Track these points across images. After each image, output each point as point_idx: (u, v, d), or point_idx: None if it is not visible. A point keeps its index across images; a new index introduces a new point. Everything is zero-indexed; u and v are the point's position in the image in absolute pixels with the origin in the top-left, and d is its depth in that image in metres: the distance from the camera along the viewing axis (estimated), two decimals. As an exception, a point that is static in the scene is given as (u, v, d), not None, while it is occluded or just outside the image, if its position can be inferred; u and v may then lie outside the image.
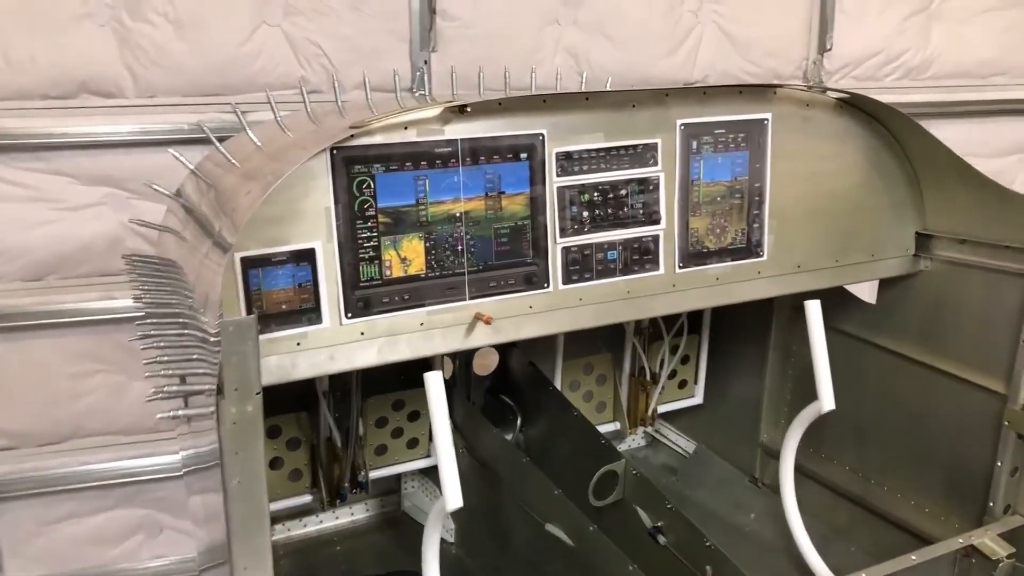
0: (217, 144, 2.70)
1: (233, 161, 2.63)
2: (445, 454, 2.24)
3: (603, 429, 3.41)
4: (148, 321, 2.13)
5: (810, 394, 2.86)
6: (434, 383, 2.24)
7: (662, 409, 3.49)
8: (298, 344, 2.23)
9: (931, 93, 4.51)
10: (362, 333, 2.29)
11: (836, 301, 2.97)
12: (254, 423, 1.84)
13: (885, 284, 2.98)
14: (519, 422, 3.19)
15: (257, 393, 1.83)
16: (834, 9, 4.37)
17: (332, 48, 3.80)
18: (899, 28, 4.50)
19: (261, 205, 2.10)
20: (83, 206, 3.65)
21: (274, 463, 2.94)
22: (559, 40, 4.09)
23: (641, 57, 4.19)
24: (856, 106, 2.74)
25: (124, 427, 3.88)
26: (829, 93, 2.71)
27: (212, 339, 1.90)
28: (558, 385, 3.22)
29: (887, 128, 2.80)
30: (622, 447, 3.51)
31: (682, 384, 3.51)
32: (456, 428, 3.09)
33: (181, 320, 2.08)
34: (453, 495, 2.24)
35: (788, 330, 3.28)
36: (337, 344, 2.27)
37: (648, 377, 3.38)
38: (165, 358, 2.01)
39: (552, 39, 4.08)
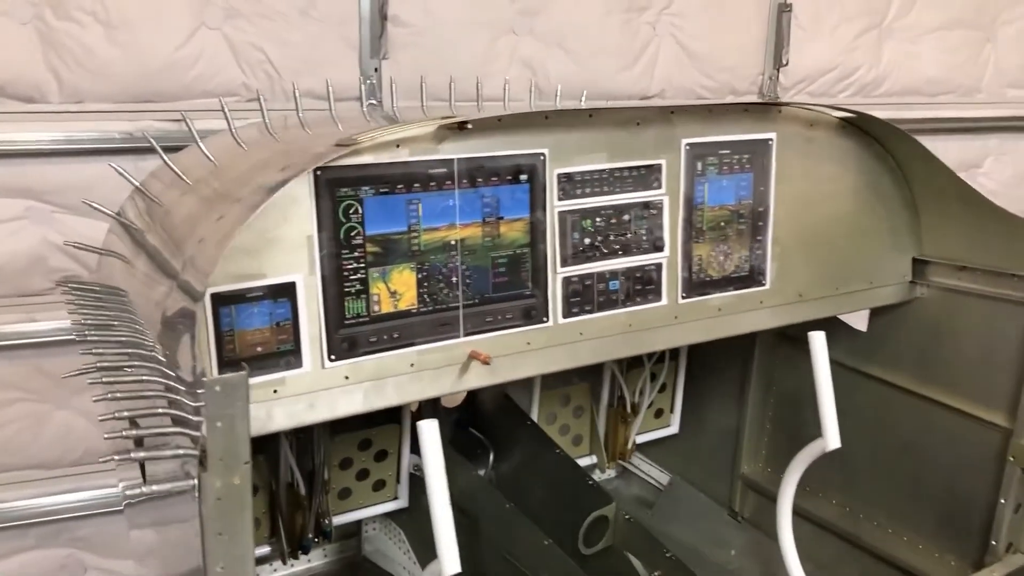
0: (167, 161, 2.35)
1: (186, 180, 2.29)
2: (441, 513, 1.94)
3: (580, 463, 3.13)
4: (96, 353, 1.83)
5: (793, 425, 2.68)
6: (429, 433, 1.93)
7: (637, 440, 3.23)
8: (275, 392, 1.91)
9: (883, 110, 4.36)
10: (346, 377, 1.98)
11: (823, 326, 2.75)
12: (241, 497, 1.51)
13: (878, 311, 2.79)
14: (491, 458, 2.89)
15: (245, 463, 1.50)
16: (790, 24, 4.20)
17: (277, 54, 3.49)
18: (852, 45, 4.37)
19: (232, 231, 1.78)
20: (0, 220, 3.25)
21: (229, 512, 2.57)
22: (515, 50, 3.85)
23: (598, 70, 3.98)
24: (859, 126, 2.53)
25: (45, 460, 3.50)
26: (834, 112, 2.49)
27: (180, 387, 1.58)
28: (535, 418, 2.93)
29: (887, 149, 2.60)
30: (594, 473, 3.24)
31: (658, 413, 3.25)
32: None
33: (135, 355, 1.77)
34: (450, 559, 1.94)
35: (770, 357, 3.05)
36: (318, 390, 1.95)
37: (628, 408, 3.12)
38: (119, 395, 1.71)
39: (508, 49, 3.84)
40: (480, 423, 2.92)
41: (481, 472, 2.88)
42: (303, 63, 3.51)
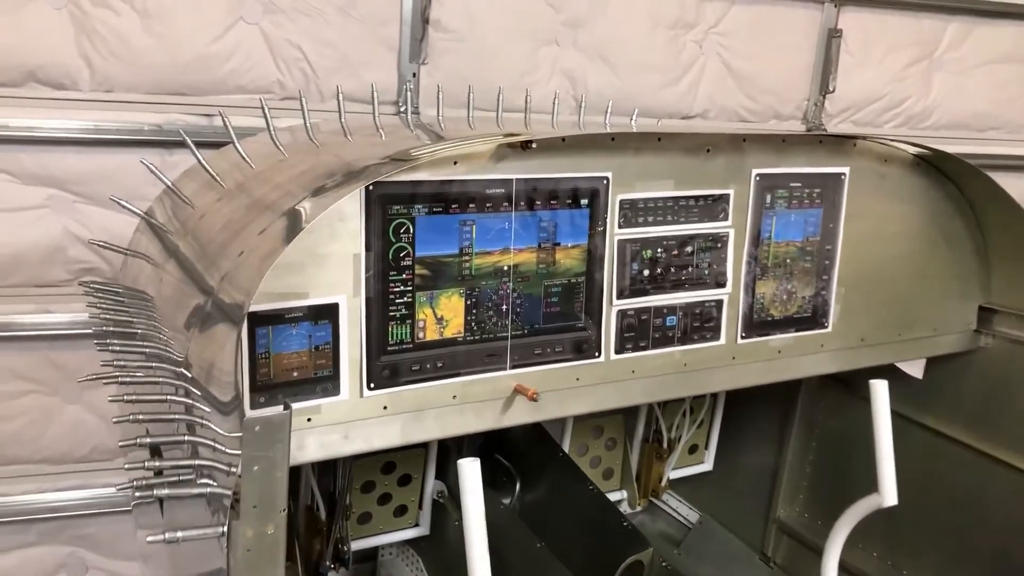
0: (202, 162, 2.17)
1: (221, 183, 2.11)
2: (479, 560, 1.75)
3: (609, 498, 2.92)
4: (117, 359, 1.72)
5: (836, 471, 2.48)
6: (470, 474, 1.75)
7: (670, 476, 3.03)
8: (309, 420, 1.72)
9: (930, 144, 4.17)
10: (385, 408, 1.79)
11: (876, 371, 2.56)
12: (274, 549, 1.32)
13: (937, 359, 2.58)
14: (517, 488, 2.69)
15: (282, 511, 1.31)
16: (839, 50, 4.00)
17: (314, 52, 3.31)
18: (901, 74, 4.16)
19: (277, 247, 1.59)
20: (22, 208, 3.11)
21: (245, 534, 2.37)
22: (556, 62, 3.66)
23: (641, 86, 3.78)
24: (933, 164, 2.33)
25: (52, 455, 3.33)
26: (909, 148, 2.29)
27: (205, 409, 1.41)
28: (566, 449, 2.73)
29: (961, 190, 2.40)
30: (622, 508, 3.03)
31: (692, 449, 3.05)
32: (448, 493, 2.59)
33: (159, 368, 1.66)
34: None
35: (816, 398, 2.85)
36: (355, 420, 1.77)
37: (664, 443, 2.91)
38: (140, 416, 1.59)
39: (549, 60, 3.64)
40: (507, 450, 2.72)
41: (506, 501, 2.68)
42: (340, 63, 3.33)
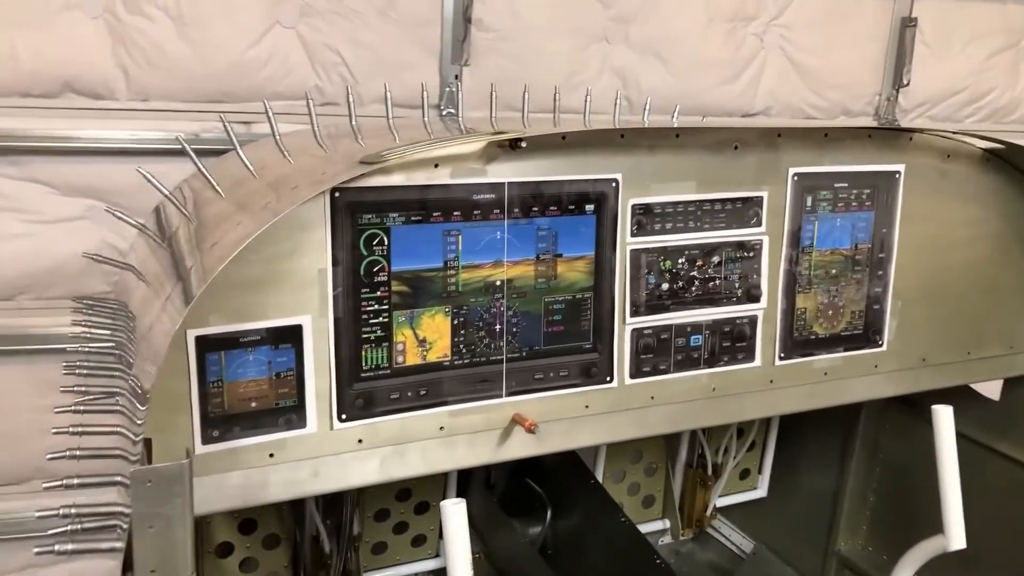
0: (199, 164, 1.96)
1: (218, 188, 1.90)
2: None
3: (648, 529, 2.64)
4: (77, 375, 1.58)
5: (902, 501, 2.16)
6: (455, 517, 1.49)
7: (718, 503, 2.71)
8: (271, 456, 1.50)
9: (1018, 138, 3.76)
10: (360, 441, 1.56)
11: (955, 396, 2.21)
12: None
13: (1015, 380, 2.22)
14: (548, 515, 2.43)
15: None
16: (913, 41, 3.62)
17: (353, 56, 3.10)
18: (984, 65, 3.75)
19: (228, 265, 1.37)
20: (60, 219, 2.98)
21: (245, 565, 2.16)
22: (606, 59, 3.38)
23: (697, 83, 3.47)
24: (1006, 159, 1.98)
25: (95, 469, 3.16)
26: (976, 142, 1.95)
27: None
28: (599, 475, 2.46)
29: None
30: (664, 539, 2.74)
31: (744, 474, 2.73)
32: (471, 525, 2.33)
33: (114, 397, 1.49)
34: None
35: (879, 420, 2.51)
36: (325, 455, 1.55)
37: (708, 470, 2.61)
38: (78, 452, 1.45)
39: (598, 58, 3.37)
40: (539, 474, 2.46)
41: (536, 530, 2.42)
42: (379, 66, 3.12)
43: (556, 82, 3.06)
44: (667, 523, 2.66)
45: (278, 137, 2.06)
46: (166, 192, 2.07)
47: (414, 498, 2.29)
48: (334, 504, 2.16)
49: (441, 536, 2.35)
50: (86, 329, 1.90)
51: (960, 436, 2.27)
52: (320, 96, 3.09)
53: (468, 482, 2.35)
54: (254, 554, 2.16)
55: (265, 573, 2.18)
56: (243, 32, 2.97)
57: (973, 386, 2.27)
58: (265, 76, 3.01)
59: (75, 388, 1.61)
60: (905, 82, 3.66)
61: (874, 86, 3.71)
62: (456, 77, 3.21)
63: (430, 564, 2.37)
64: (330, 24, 3.05)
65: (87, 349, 1.80)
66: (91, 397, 1.60)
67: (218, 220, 1.66)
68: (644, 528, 2.63)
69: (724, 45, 3.49)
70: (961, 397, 2.30)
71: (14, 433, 3.01)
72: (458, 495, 2.33)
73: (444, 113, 3.16)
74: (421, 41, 3.16)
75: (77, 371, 1.68)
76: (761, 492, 2.75)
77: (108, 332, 1.85)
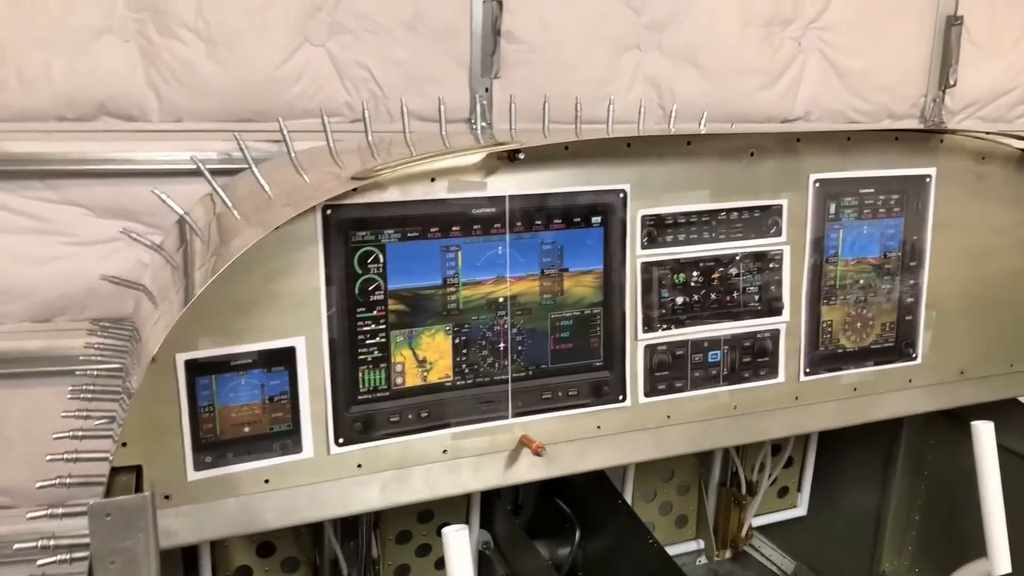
0: (213, 183, 1.93)
1: (232, 208, 1.86)
2: None
3: (682, 549, 2.53)
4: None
5: (949, 520, 2.04)
6: (456, 544, 1.42)
7: (756, 522, 2.59)
8: (266, 482, 1.44)
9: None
10: (359, 466, 1.50)
11: (995, 408, 2.08)
12: None
13: (1065, 393, 2.08)
14: (578, 536, 2.34)
15: None
16: (960, 39, 3.47)
17: (382, 72, 3.08)
18: (1036, 62, 3.57)
19: (219, 283, 1.33)
20: (96, 241, 3.01)
21: (265, 590, 2.13)
22: (638, 68, 3.30)
23: (733, 89, 3.37)
24: (1048, 160, 1.86)
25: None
26: (1014, 142, 1.83)
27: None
28: (628, 494, 2.36)
29: None
30: (700, 559, 2.63)
31: (782, 492, 2.60)
32: (496, 546, 2.26)
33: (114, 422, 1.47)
34: None
35: (922, 436, 2.37)
36: (322, 481, 1.48)
37: (743, 488, 2.50)
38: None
39: (631, 67, 3.29)
40: (568, 493, 2.37)
41: (565, 551, 2.33)
42: (409, 81, 3.09)
43: (588, 92, 2.99)
44: (701, 543, 2.55)
45: (293, 155, 2.02)
46: (180, 211, 2.04)
47: (436, 520, 2.22)
48: (352, 527, 2.11)
49: (460, 560, 2.29)
50: (97, 352, 1.88)
51: (1011, 453, 2.15)
52: (351, 112, 3.07)
53: (492, 503, 2.27)
54: (273, 579, 2.12)
55: (284, 597, 2.14)
56: (273, 51, 2.96)
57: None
58: (296, 94, 2.99)
59: (77, 413, 1.58)
60: (952, 83, 3.51)
61: (919, 87, 3.56)
62: (486, 90, 3.16)
63: (454, 586, 2.29)
64: (359, 40, 3.03)
65: (95, 372, 1.77)
66: (93, 422, 1.57)
67: (227, 237, 1.62)
68: (678, 549, 2.53)
69: (761, 50, 3.38)
70: (1009, 411, 2.16)
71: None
72: (482, 516, 2.25)
73: (475, 126, 3.11)
74: (450, 54, 3.12)
75: (82, 395, 1.65)
76: (801, 510, 2.63)
77: (115, 355, 1.82)
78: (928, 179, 1.82)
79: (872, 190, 1.77)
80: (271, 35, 2.95)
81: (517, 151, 1.47)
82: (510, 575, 2.18)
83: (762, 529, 2.66)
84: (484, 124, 3.14)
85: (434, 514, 2.20)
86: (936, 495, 2.37)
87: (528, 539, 2.18)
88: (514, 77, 3.17)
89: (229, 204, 1.76)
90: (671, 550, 2.50)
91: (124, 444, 1.34)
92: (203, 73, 2.92)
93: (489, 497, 2.26)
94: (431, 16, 3.05)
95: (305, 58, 3.00)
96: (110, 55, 2.86)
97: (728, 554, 2.61)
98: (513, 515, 2.48)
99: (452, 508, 2.21)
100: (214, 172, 3.06)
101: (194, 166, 2.98)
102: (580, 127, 2.51)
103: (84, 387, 1.65)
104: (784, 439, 2.47)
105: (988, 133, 1.85)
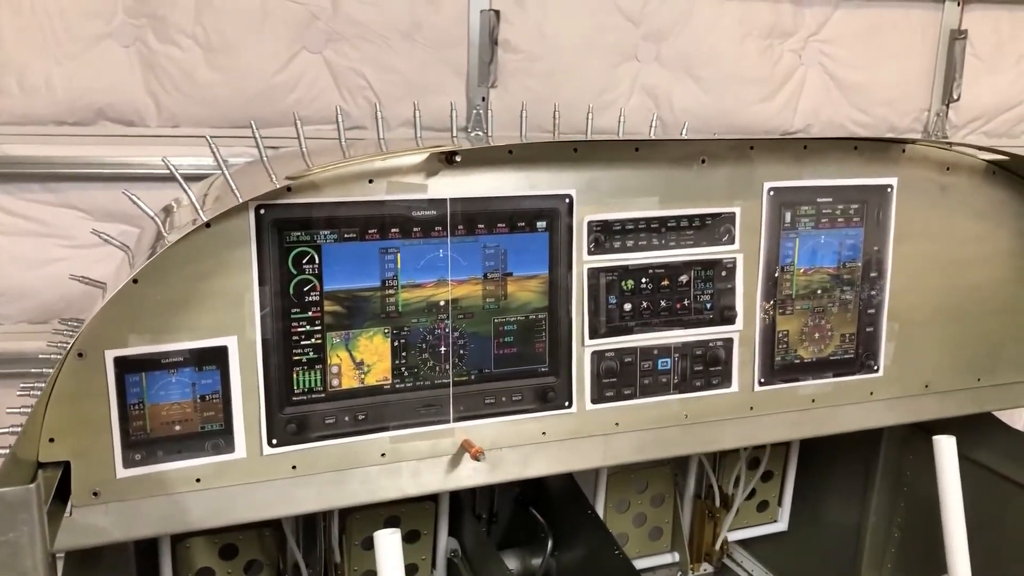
0: (185, 186, 1.93)
1: (202, 216, 1.87)
2: None
3: (657, 562, 2.48)
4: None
5: (928, 535, 1.97)
6: (387, 548, 1.40)
7: (736, 536, 2.54)
8: (198, 481, 1.43)
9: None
10: (294, 467, 1.48)
11: (970, 423, 2.02)
12: None
13: (1042, 409, 2.02)
14: (550, 545, 2.31)
15: None
16: (964, 53, 3.40)
17: (378, 80, 3.07)
18: (1042, 77, 3.49)
19: (150, 281, 1.33)
20: (94, 244, 2.96)
21: (227, 592, 2.12)
22: (636, 78, 3.27)
23: (732, 101, 3.32)
24: (1015, 172, 1.81)
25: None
26: (978, 153, 1.78)
27: None
28: (600, 506, 2.32)
29: None
30: (679, 573, 2.58)
31: (762, 506, 2.55)
32: (464, 555, 2.23)
33: None
34: None
35: (900, 451, 2.31)
36: (255, 482, 1.46)
37: (717, 501, 2.45)
38: None
39: (629, 77, 3.26)
40: (542, 503, 2.34)
41: (537, 561, 2.30)
42: (406, 89, 3.08)
43: (586, 102, 2.97)
44: (676, 556, 2.51)
45: (265, 158, 2.02)
46: (150, 212, 2.05)
47: (404, 525, 2.20)
48: (314, 531, 2.09)
49: (434, 566, 2.27)
50: (57, 349, 1.88)
51: (987, 470, 2.09)
52: (348, 120, 3.06)
53: (462, 510, 2.25)
54: (235, 582, 2.11)
55: (247, 600, 2.13)
56: (270, 58, 2.97)
57: (1001, 415, 2.07)
58: (293, 101, 3.00)
59: (21, 410, 1.58)
60: (955, 97, 3.44)
61: (922, 101, 3.50)
62: (483, 99, 3.15)
63: (420, 595, 2.27)
64: (356, 49, 3.03)
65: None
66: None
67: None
68: (652, 561, 2.48)
69: (760, 62, 3.34)
70: (987, 427, 2.10)
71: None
72: (451, 524, 2.23)
73: (472, 135, 3.10)
74: (448, 63, 3.11)
75: (31, 392, 1.65)
76: (781, 525, 2.57)
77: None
78: (889, 189, 1.77)
79: (830, 199, 1.74)
80: (269, 43, 2.96)
81: (454, 153, 1.46)
82: (475, 584, 2.15)
83: (743, 543, 2.61)
84: (479, 133, 3.13)
85: (400, 519, 2.18)
86: (915, 510, 2.31)
87: (494, 549, 2.15)
88: (512, 86, 3.16)
89: (195, 202, 1.77)
90: (646, 562, 2.47)
91: (52, 440, 1.34)
92: (201, 79, 2.93)
93: (458, 505, 2.23)
94: (429, 25, 3.04)
95: (302, 66, 3.01)
96: (109, 61, 2.89)
97: (706, 568, 2.56)
98: (488, 523, 2.45)
99: (420, 515, 2.19)
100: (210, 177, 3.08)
101: (193, 171, 3.01)
102: (558, 135, 2.49)
103: (34, 384, 1.65)
104: (764, 450, 2.41)
105: (953, 144, 1.80)
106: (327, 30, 3.00)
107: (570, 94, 3.12)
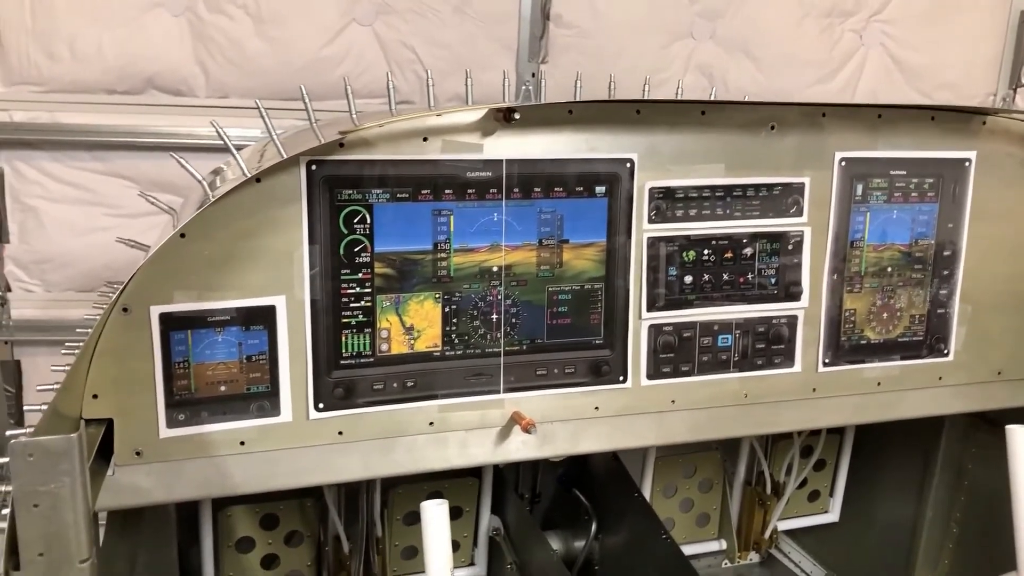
0: (232, 148, 1.89)
1: (248, 173, 1.83)
2: None
3: (704, 548, 2.40)
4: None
5: (989, 532, 1.94)
6: (435, 518, 1.35)
7: (785, 526, 2.45)
8: (242, 444, 1.39)
9: None
10: (340, 433, 1.43)
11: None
12: None
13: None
14: (594, 527, 2.24)
15: (83, 562, 0.98)
16: (1034, 36, 3.27)
17: (428, 54, 3.03)
18: (1116, 61, 3.35)
19: (196, 237, 1.28)
20: (142, 214, 3.00)
21: (268, 562, 2.07)
22: (691, 56, 3.20)
23: (788, 81, 3.24)
24: (1103, 148, 1.71)
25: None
26: (1066, 126, 1.68)
27: None
28: (647, 489, 2.25)
29: None
30: (725, 562, 2.51)
31: (813, 496, 2.46)
32: (507, 533, 2.17)
33: None
34: None
35: (963, 442, 2.21)
36: (300, 447, 1.42)
37: (768, 488, 2.36)
38: None
39: (683, 55, 3.19)
40: (586, 484, 2.28)
41: (582, 542, 2.24)
42: (455, 64, 3.04)
43: (638, 80, 2.89)
44: (723, 544, 2.42)
45: (314, 123, 1.98)
46: (198, 176, 2.01)
47: (447, 500, 2.14)
48: (357, 504, 2.04)
49: (475, 543, 2.22)
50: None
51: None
52: (396, 95, 3.01)
53: (505, 488, 2.19)
54: (276, 551, 2.06)
55: (287, 571, 2.08)
56: (320, 30, 2.95)
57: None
58: (340, 73, 2.96)
59: (64, 367, 1.55)
60: (1023, 81, 3.31)
61: (988, 85, 3.37)
62: (533, 75, 3.10)
63: (464, 573, 2.21)
64: (406, 22, 2.99)
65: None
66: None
67: None
68: (699, 548, 2.41)
69: (819, 42, 3.24)
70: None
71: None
72: (494, 501, 2.18)
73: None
74: (498, 38, 3.06)
75: (74, 352, 1.62)
76: (833, 516, 2.47)
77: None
78: (967, 163, 1.68)
79: (904, 172, 1.65)
80: (319, 14, 2.94)
81: (512, 110, 1.40)
82: (517, 563, 2.09)
83: (791, 533, 2.52)
84: (531, 107, 3.06)
85: (444, 495, 2.13)
86: (976, 505, 2.21)
87: (538, 528, 2.09)
88: (562, 62, 3.10)
89: (243, 165, 1.72)
90: (692, 549, 2.39)
91: (95, 396, 1.30)
92: (250, 50, 2.92)
93: (501, 483, 2.18)
94: (479, -1, 2.99)
95: (352, 38, 2.99)
96: (160, 29, 2.88)
97: (753, 557, 2.48)
98: (531, 503, 2.39)
99: (463, 490, 2.13)
100: (258, 149, 3.03)
101: (241, 142, 2.98)
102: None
103: (78, 343, 1.62)
104: (819, 437, 2.32)
105: (1038, 116, 1.71)
106: (378, 2, 2.97)
107: (622, 72, 3.03)
